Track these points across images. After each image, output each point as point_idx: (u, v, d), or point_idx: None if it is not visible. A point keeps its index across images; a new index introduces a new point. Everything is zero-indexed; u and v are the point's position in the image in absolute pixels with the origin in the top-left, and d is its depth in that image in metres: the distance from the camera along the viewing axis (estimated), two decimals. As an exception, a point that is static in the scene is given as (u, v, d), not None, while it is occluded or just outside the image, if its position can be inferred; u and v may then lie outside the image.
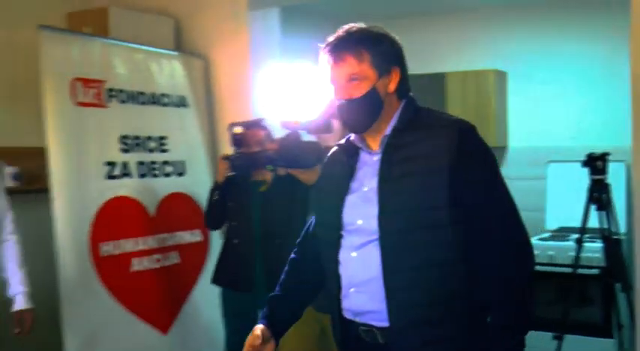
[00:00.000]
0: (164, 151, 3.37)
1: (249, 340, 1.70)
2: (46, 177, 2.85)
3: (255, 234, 2.88)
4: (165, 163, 3.37)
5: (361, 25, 1.64)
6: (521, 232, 1.63)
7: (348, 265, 1.67)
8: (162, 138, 3.35)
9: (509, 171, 3.91)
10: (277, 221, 2.78)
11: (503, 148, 4.72)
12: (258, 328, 1.72)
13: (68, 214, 2.88)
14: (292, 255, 1.91)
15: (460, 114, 1.66)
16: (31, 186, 3.20)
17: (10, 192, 2.71)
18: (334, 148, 1.83)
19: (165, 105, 3.39)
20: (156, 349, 3.16)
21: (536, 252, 1.65)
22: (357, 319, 1.68)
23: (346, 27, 1.63)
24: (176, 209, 3.40)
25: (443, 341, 1.59)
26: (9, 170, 3.04)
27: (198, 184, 3.45)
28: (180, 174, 3.45)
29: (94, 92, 3.01)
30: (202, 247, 3.47)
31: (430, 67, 4.61)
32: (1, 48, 3.27)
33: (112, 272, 2.98)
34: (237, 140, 2.81)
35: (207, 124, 3.66)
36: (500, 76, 4.70)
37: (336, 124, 2.26)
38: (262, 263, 2.85)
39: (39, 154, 2.88)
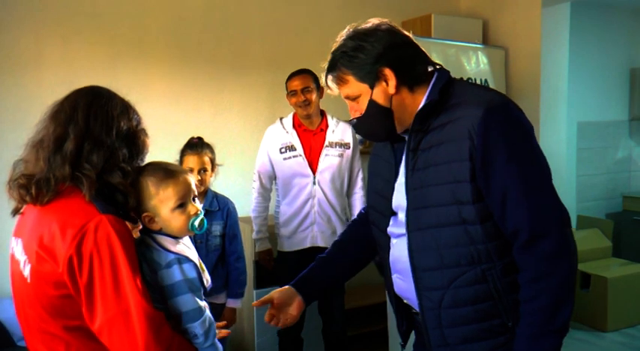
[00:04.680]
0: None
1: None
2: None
3: None
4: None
5: (341, 37, 1.50)
6: (544, 224, 1.33)
7: (391, 251, 1.59)
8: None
9: None
10: None
11: None
12: (276, 291, 1.68)
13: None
14: (346, 229, 1.89)
15: None
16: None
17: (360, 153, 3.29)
18: None
19: (470, 87, 4.22)
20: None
21: None
22: (405, 301, 1.62)
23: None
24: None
25: (481, 339, 1.43)
26: (359, 136, 3.65)
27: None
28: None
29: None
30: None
31: None
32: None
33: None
34: None
35: (504, 102, 4.38)
36: None
37: None
38: None
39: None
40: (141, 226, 1.48)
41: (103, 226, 1.27)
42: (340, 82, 1.48)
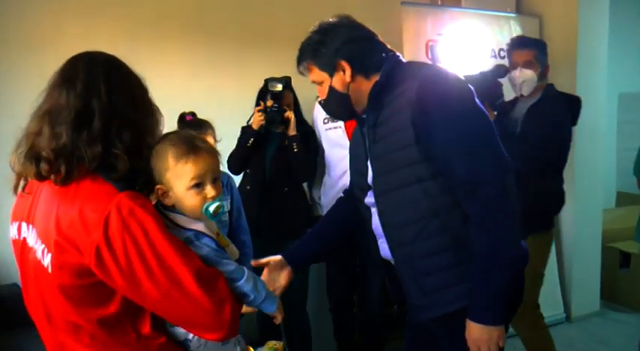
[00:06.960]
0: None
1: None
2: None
3: (265, 181, 3.05)
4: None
5: (312, 30, 1.74)
6: (482, 174, 1.53)
7: (372, 220, 1.78)
8: (499, 85, 4.00)
9: None
10: (287, 171, 3.01)
11: None
12: (271, 258, 1.86)
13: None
14: (333, 205, 2.04)
15: None
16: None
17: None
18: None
19: (502, 58, 3.98)
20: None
21: None
22: (390, 261, 1.78)
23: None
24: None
25: (453, 285, 1.62)
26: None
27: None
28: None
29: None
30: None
31: None
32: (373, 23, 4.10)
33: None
34: (276, 96, 2.96)
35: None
36: None
37: None
38: (266, 210, 3.02)
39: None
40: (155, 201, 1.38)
41: (126, 204, 1.19)
42: (306, 70, 1.74)
